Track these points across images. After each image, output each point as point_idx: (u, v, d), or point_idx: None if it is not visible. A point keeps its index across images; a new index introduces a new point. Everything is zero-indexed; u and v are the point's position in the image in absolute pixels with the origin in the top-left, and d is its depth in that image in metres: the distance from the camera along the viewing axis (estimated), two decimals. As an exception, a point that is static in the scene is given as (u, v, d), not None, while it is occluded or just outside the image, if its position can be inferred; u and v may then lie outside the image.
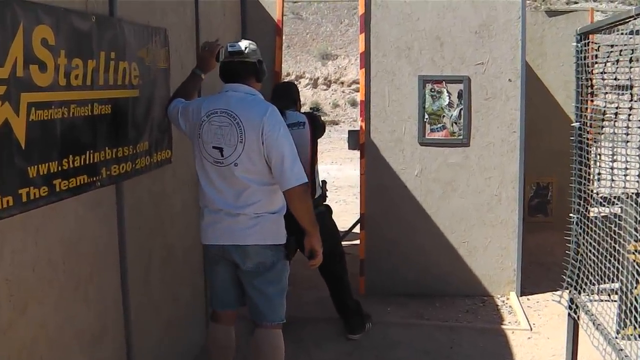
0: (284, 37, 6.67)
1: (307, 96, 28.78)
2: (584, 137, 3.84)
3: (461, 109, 6.23)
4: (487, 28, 6.13)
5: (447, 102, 6.23)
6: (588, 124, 3.82)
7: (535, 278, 6.97)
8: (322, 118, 5.67)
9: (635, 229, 3.63)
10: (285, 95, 5.33)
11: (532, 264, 7.28)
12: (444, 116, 6.25)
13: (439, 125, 6.27)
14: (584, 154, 3.82)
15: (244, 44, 3.84)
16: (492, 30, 6.13)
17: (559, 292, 4.27)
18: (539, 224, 8.91)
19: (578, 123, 3.84)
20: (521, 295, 6.41)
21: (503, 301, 6.31)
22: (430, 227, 6.39)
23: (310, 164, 5.01)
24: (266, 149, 3.64)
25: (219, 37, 4.56)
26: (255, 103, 3.77)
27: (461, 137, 6.26)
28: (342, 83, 30.38)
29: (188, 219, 4.59)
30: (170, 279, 4.33)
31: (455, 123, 6.25)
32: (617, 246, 3.62)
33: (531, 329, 5.61)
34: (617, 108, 3.63)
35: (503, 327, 5.68)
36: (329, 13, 32.42)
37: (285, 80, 6.51)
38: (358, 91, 29.64)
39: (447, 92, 6.22)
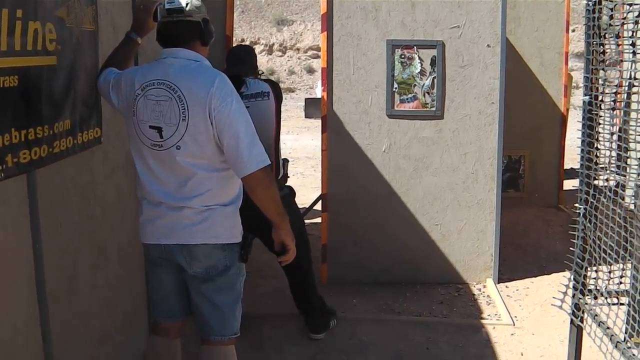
0: (237, 2, 5.94)
1: (262, 63, 28.09)
2: (595, 114, 3.24)
3: (434, 78, 5.60)
4: (464, -13, 5.50)
5: (418, 70, 5.60)
6: (599, 98, 3.21)
7: (512, 262, 6.45)
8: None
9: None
10: (243, 61, 4.62)
11: (506, 246, 6.75)
12: (415, 85, 5.62)
13: (409, 96, 5.64)
14: (594, 134, 3.22)
15: (184, 0, 3.11)
16: (469, -11, 5.50)
17: (560, 296, 3.68)
18: (511, 200, 8.38)
19: (588, 97, 3.23)
20: (498, 282, 5.87)
21: (480, 289, 5.75)
22: (400, 209, 5.78)
23: (275, 140, 4.36)
24: (216, 127, 2.96)
25: None
26: (200, 71, 3.07)
27: (434, 108, 5.64)
28: (298, 49, 29.76)
29: (123, 210, 3.89)
30: (103, 285, 3.63)
31: (428, 93, 5.62)
32: (628, 243, 3.09)
33: (514, 324, 5.05)
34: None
35: (483, 321, 5.10)
36: (284, -23, 31.60)
37: (241, 44, 5.63)
38: (315, 57, 29.08)
39: (419, 58, 5.58)
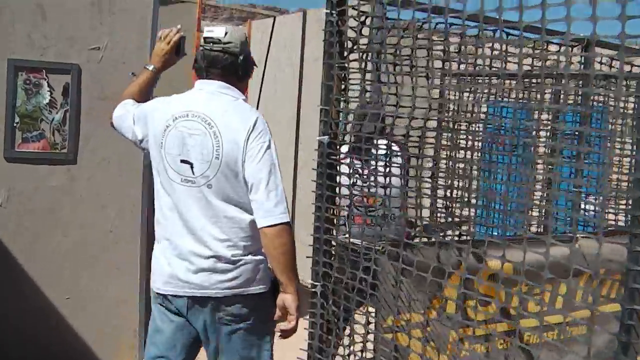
0: None
1: None
2: (334, 159, 2.53)
3: (66, 111, 4.49)
4: (109, 0, 4.51)
5: (47, 101, 4.45)
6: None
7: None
8: None
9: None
10: None
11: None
12: (42, 120, 4.45)
13: (34, 133, 4.45)
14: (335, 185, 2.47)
15: (222, 30, 3.07)
16: (115, 4, 4.53)
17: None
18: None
19: (327, 137, 2.50)
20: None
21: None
22: (21, 278, 4.51)
23: None
24: (245, 170, 2.92)
25: None
26: (239, 109, 3.05)
27: (65, 150, 4.51)
28: None
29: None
30: None
31: (58, 130, 4.48)
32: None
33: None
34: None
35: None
36: None
37: None
38: None
39: (49, 85, 4.45)
